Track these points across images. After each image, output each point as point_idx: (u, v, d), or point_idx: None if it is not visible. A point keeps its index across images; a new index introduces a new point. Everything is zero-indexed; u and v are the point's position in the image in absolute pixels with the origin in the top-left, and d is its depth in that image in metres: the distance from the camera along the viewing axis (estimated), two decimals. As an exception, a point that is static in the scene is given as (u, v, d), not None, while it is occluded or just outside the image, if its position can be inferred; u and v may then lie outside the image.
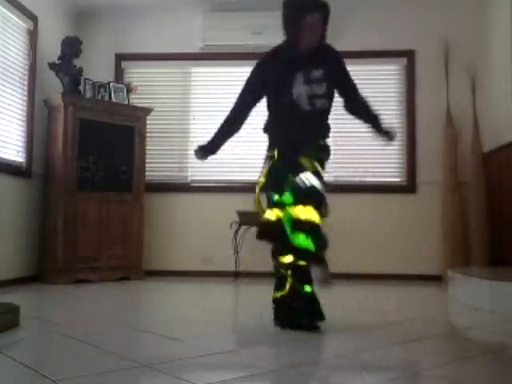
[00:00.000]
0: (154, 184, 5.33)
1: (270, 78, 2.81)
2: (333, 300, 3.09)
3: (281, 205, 2.73)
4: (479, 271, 4.21)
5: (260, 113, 5.57)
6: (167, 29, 5.52)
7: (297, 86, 2.74)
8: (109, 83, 5.07)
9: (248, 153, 5.40)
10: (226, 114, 2.98)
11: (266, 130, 2.94)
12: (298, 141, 2.79)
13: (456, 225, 4.88)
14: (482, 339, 2.64)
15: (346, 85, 2.91)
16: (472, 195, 4.84)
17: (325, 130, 2.90)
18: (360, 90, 2.98)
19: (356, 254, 5.13)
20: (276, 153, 2.81)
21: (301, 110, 2.75)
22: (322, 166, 2.82)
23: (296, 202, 2.62)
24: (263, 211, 2.89)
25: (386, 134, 2.93)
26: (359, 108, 2.99)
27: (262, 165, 3.00)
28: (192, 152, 3.18)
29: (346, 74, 2.91)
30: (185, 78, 5.62)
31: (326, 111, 2.84)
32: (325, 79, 2.76)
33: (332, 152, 5.98)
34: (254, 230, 5.03)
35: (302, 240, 2.59)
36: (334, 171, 5.34)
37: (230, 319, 3.24)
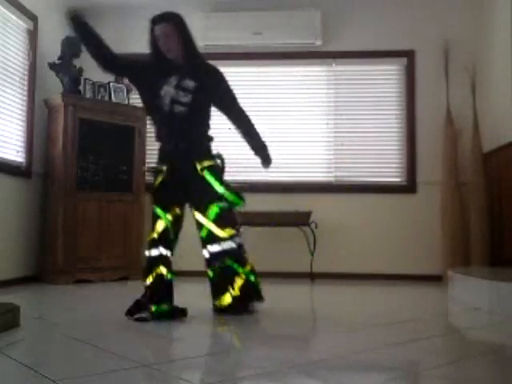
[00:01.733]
0: (154, 184, 5.31)
1: (144, 78, 3.04)
2: (332, 300, 3.10)
3: None
4: (479, 271, 4.21)
5: (262, 115, 5.52)
6: (167, 29, 5.50)
7: (166, 86, 2.96)
8: (109, 83, 5.06)
9: (247, 153, 5.38)
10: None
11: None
12: (169, 145, 3.03)
13: (456, 225, 4.87)
14: (481, 339, 2.64)
15: (222, 101, 3.22)
16: (472, 195, 4.84)
17: (196, 140, 3.09)
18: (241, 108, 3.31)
19: (356, 253, 5.14)
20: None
21: (161, 108, 2.97)
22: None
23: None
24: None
25: (264, 160, 3.35)
26: (240, 127, 3.36)
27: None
28: None
29: (222, 91, 3.20)
30: (185, 78, 5.61)
31: (186, 119, 2.99)
32: (193, 91, 2.98)
33: (332, 152, 5.98)
34: (254, 229, 5.04)
35: None
36: (334, 171, 5.34)
37: (230, 319, 3.24)
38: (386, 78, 5.41)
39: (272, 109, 5.43)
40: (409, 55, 5.32)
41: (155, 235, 2.97)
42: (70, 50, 4.80)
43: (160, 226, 2.97)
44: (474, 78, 5.03)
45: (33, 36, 4.71)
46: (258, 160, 5.31)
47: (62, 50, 4.81)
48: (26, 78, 4.64)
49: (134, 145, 5.03)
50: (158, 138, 3.09)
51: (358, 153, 5.33)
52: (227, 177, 5.37)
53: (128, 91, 5.14)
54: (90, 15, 5.47)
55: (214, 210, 3.01)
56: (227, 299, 2.98)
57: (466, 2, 5.18)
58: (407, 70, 5.33)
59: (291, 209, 4.99)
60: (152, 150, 5.28)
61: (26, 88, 4.63)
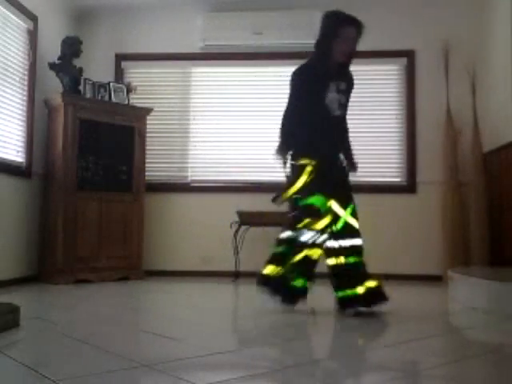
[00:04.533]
0: (154, 184, 5.32)
1: (307, 88, 3.13)
2: (332, 300, 3.10)
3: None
4: (479, 271, 4.21)
5: (262, 115, 5.52)
6: (167, 29, 5.52)
7: (330, 93, 3.09)
8: (109, 83, 5.06)
9: (248, 153, 5.40)
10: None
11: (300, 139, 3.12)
12: (335, 145, 3.18)
13: (456, 225, 4.87)
14: (481, 339, 2.64)
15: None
16: (472, 195, 4.84)
17: (347, 135, 3.32)
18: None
19: (356, 254, 5.13)
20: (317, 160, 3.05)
21: (330, 115, 3.10)
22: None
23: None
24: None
25: (352, 164, 3.34)
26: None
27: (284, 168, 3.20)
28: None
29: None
30: (185, 78, 5.62)
31: (345, 118, 3.23)
32: (346, 91, 3.19)
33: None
34: (254, 229, 5.04)
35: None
36: (334, 171, 5.34)
37: (230, 319, 3.24)
38: (386, 78, 5.41)
39: (272, 109, 5.42)
40: (409, 55, 5.32)
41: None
42: (69, 49, 4.81)
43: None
44: (474, 78, 5.03)
45: (33, 36, 4.71)
46: (259, 160, 5.36)
47: (61, 50, 4.81)
48: (26, 78, 4.64)
49: (134, 145, 5.03)
50: (318, 139, 3.12)
51: (357, 153, 5.24)
52: (226, 177, 5.43)
53: (128, 91, 5.14)
54: (90, 15, 5.52)
55: (352, 206, 3.15)
56: (360, 290, 3.03)
57: (466, 2, 5.18)
58: (407, 70, 5.33)
59: (291, 209, 4.98)
60: (152, 149, 5.32)
61: (26, 88, 4.63)
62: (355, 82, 5.29)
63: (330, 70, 3.14)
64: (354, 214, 3.12)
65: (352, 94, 5.23)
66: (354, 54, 3.17)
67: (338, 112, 3.14)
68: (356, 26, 3.08)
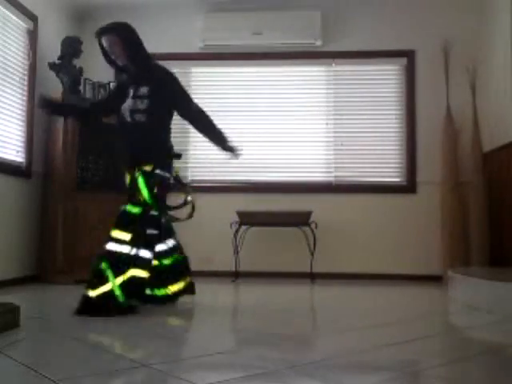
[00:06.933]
0: (153, 184, 5.31)
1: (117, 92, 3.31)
2: (332, 300, 3.10)
3: None
4: (479, 271, 4.22)
5: (262, 115, 5.49)
6: (167, 29, 5.52)
7: (127, 99, 3.13)
8: (109, 83, 5.06)
9: (248, 153, 5.38)
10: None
11: None
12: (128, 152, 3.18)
13: (456, 225, 4.87)
14: (481, 339, 2.65)
15: (177, 103, 3.26)
16: (472, 195, 4.84)
17: (150, 146, 3.14)
18: (199, 106, 3.40)
19: (356, 253, 5.14)
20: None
21: (124, 121, 3.14)
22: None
23: None
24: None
25: (230, 150, 3.36)
26: (203, 130, 3.43)
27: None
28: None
29: (176, 93, 3.25)
30: (185, 78, 5.60)
31: (146, 126, 3.12)
32: (148, 96, 3.09)
33: (332, 152, 5.97)
34: (254, 229, 5.05)
35: None
36: (334, 171, 5.34)
37: (230, 319, 3.24)
38: (385, 78, 5.41)
39: (272, 109, 5.43)
40: (409, 55, 5.32)
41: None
42: (69, 49, 4.80)
43: None
44: (474, 78, 5.03)
45: (33, 36, 4.71)
46: (258, 160, 5.36)
47: (62, 50, 4.80)
48: (25, 78, 4.64)
49: (133, 145, 5.02)
50: (124, 147, 3.24)
51: (357, 153, 5.32)
52: (226, 177, 5.43)
53: (128, 91, 5.13)
54: (90, 15, 5.52)
55: (121, 208, 3.12)
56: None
57: (466, 2, 5.18)
58: (407, 70, 5.33)
59: (291, 209, 4.99)
60: (152, 149, 5.32)
61: (25, 88, 4.63)
62: (353, 82, 5.43)
63: (128, 76, 3.24)
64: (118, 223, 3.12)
65: (351, 94, 5.38)
66: (123, 54, 3.17)
67: (129, 119, 3.12)
68: (107, 32, 3.14)
